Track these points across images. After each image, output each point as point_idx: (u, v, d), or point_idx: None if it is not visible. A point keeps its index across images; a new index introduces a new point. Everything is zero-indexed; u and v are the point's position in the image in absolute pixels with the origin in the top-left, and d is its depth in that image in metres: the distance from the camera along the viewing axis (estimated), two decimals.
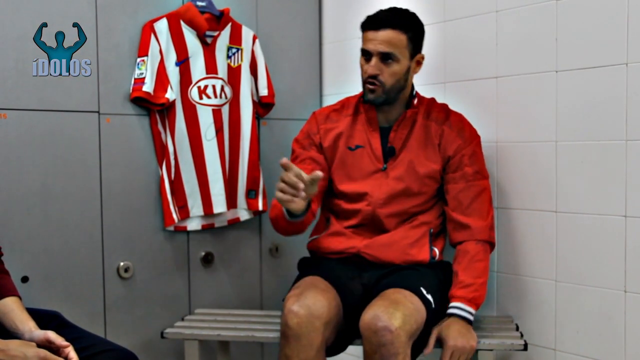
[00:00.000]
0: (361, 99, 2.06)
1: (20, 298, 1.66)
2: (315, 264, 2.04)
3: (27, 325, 1.57)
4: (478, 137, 2.05)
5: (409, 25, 1.94)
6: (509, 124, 2.14)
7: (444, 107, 2.08)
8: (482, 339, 1.89)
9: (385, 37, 1.90)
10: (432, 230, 2.02)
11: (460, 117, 2.06)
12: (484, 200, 2.00)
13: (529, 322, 2.11)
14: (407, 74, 1.97)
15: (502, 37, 2.14)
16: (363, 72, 1.97)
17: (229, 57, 2.38)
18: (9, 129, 1.94)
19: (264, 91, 2.46)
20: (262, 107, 2.49)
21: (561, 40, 1.99)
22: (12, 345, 1.44)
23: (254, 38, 2.44)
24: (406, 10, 1.98)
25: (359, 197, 2.02)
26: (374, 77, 1.93)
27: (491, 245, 2.02)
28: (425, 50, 2.14)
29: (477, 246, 1.96)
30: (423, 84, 2.33)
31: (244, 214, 2.46)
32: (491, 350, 1.88)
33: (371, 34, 1.93)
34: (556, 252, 2.04)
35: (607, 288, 1.93)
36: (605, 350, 1.94)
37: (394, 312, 1.69)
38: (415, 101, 2.04)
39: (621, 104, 1.87)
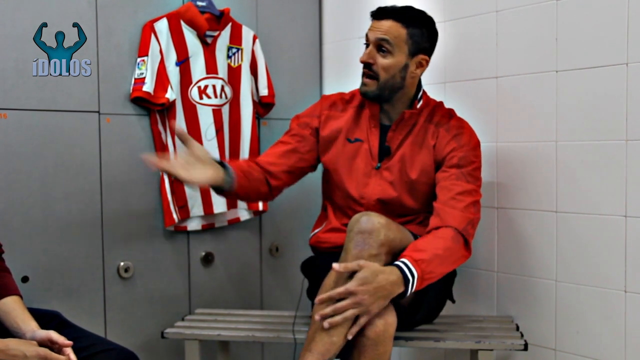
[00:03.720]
0: None
1: (21, 297, 1.66)
2: (326, 264, 1.90)
3: (29, 325, 1.57)
4: (476, 143, 1.97)
5: (412, 21, 1.90)
6: (509, 124, 2.14)
7: (449, 111, 2.02)
8: (482, 339, 1.89)
9: (384, 27, 1.89)
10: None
11: (461, 123, 1.98)
12: (465, 199, 1.87)
13: (529, 322, 2.11)
14: (404, 72, 1.92)
15: (502, 37, 2.14)
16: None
17: (229, 57, 2.38)
18: (9, 129, 1.94)
19: (264, 91, 2.46)
20: (262, 107, 2.49)
21: (561, 40, 1.99)
22: (11, 344, 1.44)
23: (254, 38, 2.44)
24: (420, 11, 1.95)
25: (352, 197, 2.00)
26: (368, 66, 1.91)
27: (465, 239, 1.84)
28: None
29: (446, 229, 1.82)
30: (423, 84, 2.33)
31: (244, 214, 2.46)
32: (491, 350, 1.88)
33: (374, 24, 1.92)
34: (556, 252, 2.04)
35: (607, 288, 1.93)
36: (605, 350, 1.94)
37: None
38: (420, 103, 1.99)
39: (621, 104, 1.87)
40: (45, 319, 1.66)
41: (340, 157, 2.02)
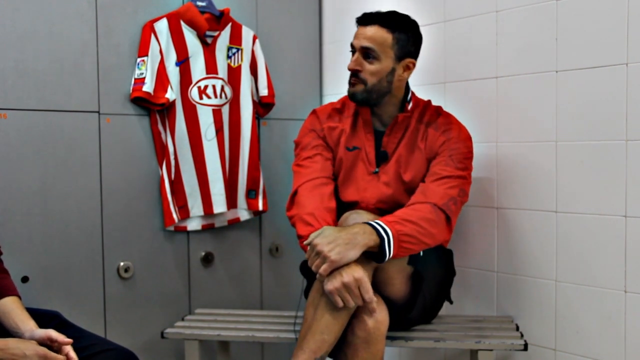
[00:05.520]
0: None
1: (20, 297, 1.66)
2: None
3: (28, 324, 1.57)
4: (466, 136, 1.97)
5: (398, 26, 1.90)
6: (509, 124, 2.14)
7: (437, 109, 2.02)
8: (482, 339, 1.89)
9: (369, 33, 1.88)
10: None
11: (449, 119, 1.99)
12: (451, 182, 1.87)
13: (529, 322, 2.11)
14: (391, 76, 1.92)
15: (502, 37, 2.14)
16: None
17: (229, 57, 2.38)
18: (9, 129, 1.95)
19: (264, 91, 2.46)
20: (262, 107, 2.49)
21: (561, 40, 1.99)
22: (11, 343, 1.45)
23: (254, 38, 2.45)
24: (404, 15, 1.95)
25: (352, 203, 1.99)
26: (356, 73, 1.91)
27: (446, 215, 1.82)
28: (426, 50, 2.14)
29: (425, 204, 1.81)
30: (423, 84, 2.34)
31: (244, 214, 2.46)
32: (491, 350, 1.88)
33: (359, 30, 1.92)
34: (556, 252, 2.04)
35: (607, 288, 1.93)
36: (605, 350, 1.94)
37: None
38: (410, 105, 2.00)
39: (621, 104, 1.87)
40: (45, 319, 1.66)
41: (342, 165, 2.02)
